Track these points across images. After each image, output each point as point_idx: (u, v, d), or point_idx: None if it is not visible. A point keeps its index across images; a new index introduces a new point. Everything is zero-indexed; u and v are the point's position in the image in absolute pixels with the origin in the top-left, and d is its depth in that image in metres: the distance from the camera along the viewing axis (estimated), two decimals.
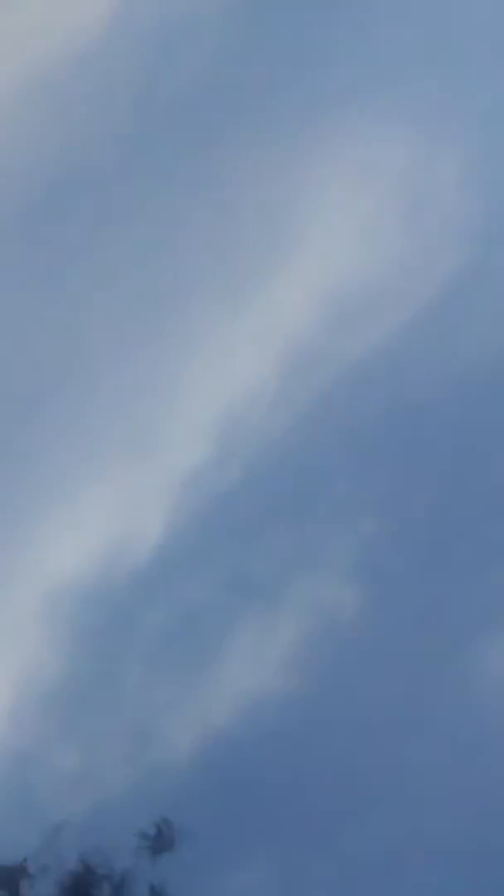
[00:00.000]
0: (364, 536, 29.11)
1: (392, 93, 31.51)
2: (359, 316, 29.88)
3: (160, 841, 22.12)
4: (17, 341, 29.60)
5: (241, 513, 29.45)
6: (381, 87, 31.54)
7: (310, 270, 30.00)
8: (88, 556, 28.93)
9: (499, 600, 28.34)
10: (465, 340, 29.64)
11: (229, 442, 29.55)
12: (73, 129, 30.63)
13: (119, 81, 31.86)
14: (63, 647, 28.52)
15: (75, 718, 27.86)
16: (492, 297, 30.33)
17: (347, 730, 27.73)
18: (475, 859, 25.78)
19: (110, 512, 29.35)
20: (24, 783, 25.89)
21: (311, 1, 32.32)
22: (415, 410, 29.21)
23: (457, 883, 25.35)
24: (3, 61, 31.13)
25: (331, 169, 30.63)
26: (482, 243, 30.73)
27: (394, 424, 29.42)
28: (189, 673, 28.59)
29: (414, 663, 28.23)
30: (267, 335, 29.69)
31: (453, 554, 28.71)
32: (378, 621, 28.77)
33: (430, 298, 29.89)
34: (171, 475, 29.49)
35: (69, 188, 30.00)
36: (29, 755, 26.79)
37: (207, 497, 29.45)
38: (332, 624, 28.84)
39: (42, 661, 28.15)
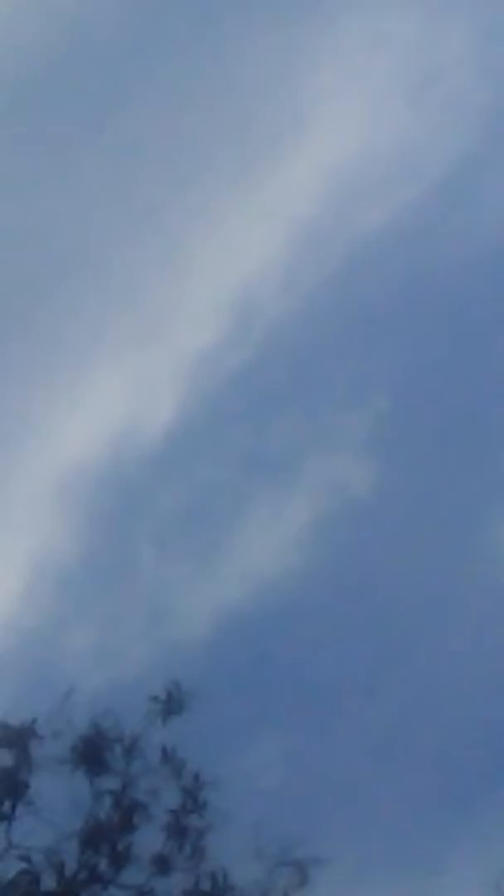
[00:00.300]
0: (376, 413, 29.06)
1: None
2: (367, 193, 29.70)
3: (171, 704, 22.11)
4: (24, 225, 29.48)
5: (252, 393, 29.41)
6: None
7: (317, 148, 29.77)
8: (101, 438, 28.94)
9: None
10: (474, 216, 29.41)
11: (240, 322, 29.47)
12: (77, 8, 30.32)
13: None
14: (77, 529, 28.58)
15: (90, 599, 27.92)
16: (500, 174, 30.06)
17: (361, 606, 27.76)
18: (485, 735, 25.81)
19: (122, 394, 29.34)
20: (38, 662, 25.96)
21: None
22: (425, 287, 29.07)
23: (466, 758, 25.36)
24: None
25: (337, 45, 30.35)
26: (491, 118, 30.45)
27: (404, 301, 29.29)
28: (203, 552, 28.63)
29: (428, 539, 28.22)
30: (275, 215, 29.51)
31: (466, 428, 28.61)
32: (391, 498, 28.74)
33: (439, 175, 29.69)
34: (182, 357, 29.45)
35: (73, 69, 29.78)
36: (44, 636, 26.86)
37: (219, 378, 29.43)
38: (346, 502, 28.82)
39: (56, 542, 28.23)
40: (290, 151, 29.99)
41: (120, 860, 21.74)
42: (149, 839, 21.94)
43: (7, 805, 21.64)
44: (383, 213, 29.57)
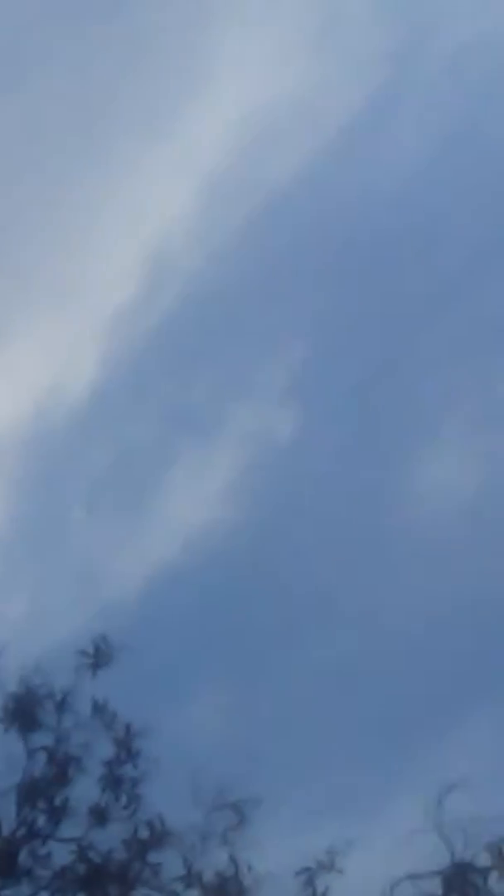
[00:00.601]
0: (294, 361, 29.21)
1: None
2: (273, 142, 29.72)
3: (98, 657, 22.21)
4: None
5: (172, 347, 29.46)
6: None
7: (224, 97, 29.74)
8: (23, 401, 28.91)
9: (431, 413, 28.51)
10: (380, 160, 29.49)
11: (155, 277, 29.48)
12: None
13: None
14: (3, 493, 28.55)
15: (20, 562, 27.92)
16: (407, 116, 30.17)
17: (289, 552, 27.94)
18: (420, 670, 26.04)
19: (42, 357, 29.30)
20: None
21: None
22: (335, 233, 29.10)
23: (403, 694, 25.56)
24: None
25: None
26: (393, 64, 30.48)
27: (316, 248, 29.34)
28: (132, 510, 28.73)
29: (351, 481, 28.43)
30: (183, 167, 29.50)
31: (383, 370, 28.77)
32: (313, 443, 28.94)
33: (344, 121, 29.70)
34: (100, 316, 29.44)
35: None
36: None
37: (137, 334, 29.45)
38: (269, 450, 28.99)
39: None
40: (197, 101, 29.96)
41: (58, 814, 21.90)
42: (85, 792, 22.07)
43: None
44: (290, 161, 29.61)
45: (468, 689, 23.64)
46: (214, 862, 21.23)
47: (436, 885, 19.84)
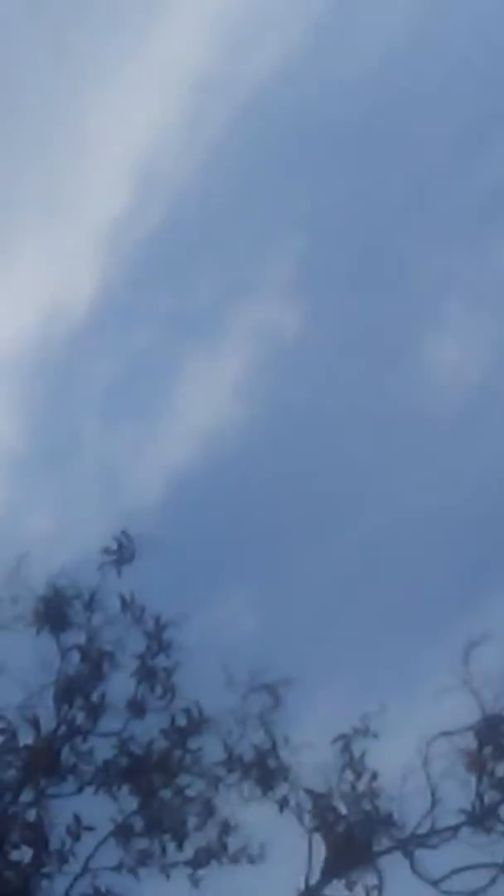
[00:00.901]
0: (295, 255, 29.28)
1: None
2: (255, 36, 29.61)
3: (122, 553, 22.47)
4: None
5: (170, 253, 29.54)
6: None
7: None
8: (23, 320, 29.05)
9: (432, 296, 28.66)
10: (364, 38, 29.36)
11: (148, 184, 29.44)
12: None
13: None
14: (15, 416, 28.78)
15: (39, 480, 28.18)
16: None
17: (303, 447, 28.19)
18: (443, 556, 26.31)
19: (39, 273, 29.39)
20: None
21: None
22: (324, 121, 29.09)
23: (426, 580, 25.80)
24: None
25: None
26: None
27: (306, 139, 29.32)
28: (145, 416, 28.94)
29: (359, 371, 28.64)
30: (167, 68, 29.39)
31: (384, 255, 28.89)
32: (319, 337, 29.12)
33: (323, 7, 29.56)
34: (96, 228, 29.46)
35: None
36: None
37: (134, 243, 29.51)
38: (276, 347, 29.17)
39: None
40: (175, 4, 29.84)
41: (95, 710, 22.22)
42: (120, 686, 22.39)
43: None
44: (274, 53, 29.53)
45: (491, 557, 23.90)
46: (253, 744, 21.58)
47: (469, 739, 20.26)
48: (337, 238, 29.04)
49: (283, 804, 21.06)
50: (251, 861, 21.64)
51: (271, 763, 21.11)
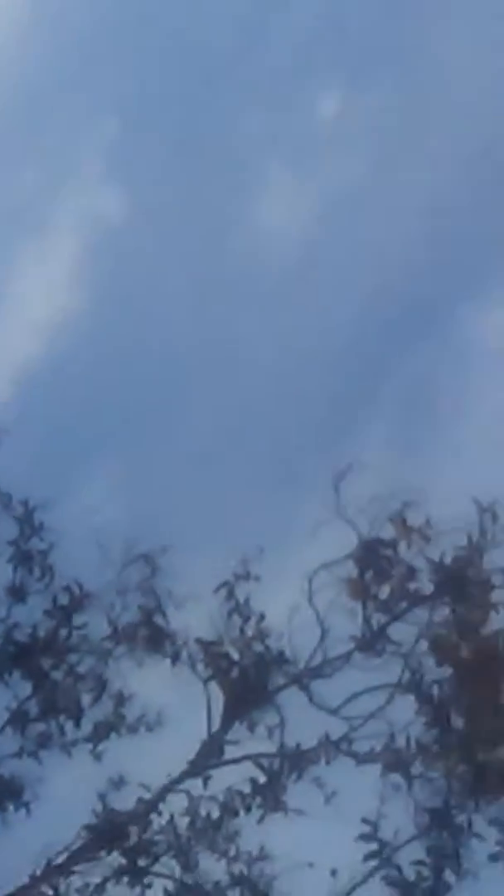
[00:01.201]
0: (111, 138, 29.09)
1: None
2: None
3: None
4: None
5: None
6: None
7: None
8: None
9: (255, 154, 28.71)
10: None
11: None
12: None
13: None
14: None
15: None
16: None
17: (145, 325, 28.21)
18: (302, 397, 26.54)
19: None
20: None
21: None
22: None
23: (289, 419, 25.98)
24: None
25: None
26: None
27: (113, 27, 29.12)
28: None
29: (189, 241, 28.69)
30: None
31: (203, 129, 28.82)
32: (146, 217, 29.03)
33: None
34: None
35: None
36: None
37: None
38: (103, 232, 29.04)
39: None
40: None
41: None
42: None
43: None
44: None
45: (344, 393, 24.28)
46: (138, 605, 21.63)
47: (350, 567, 20.55)
48: (153, 116, 28.97)
49: (174, 658, 21.15)
50: (149, 729, 21.75)
51: (158, 620, 21.18)
